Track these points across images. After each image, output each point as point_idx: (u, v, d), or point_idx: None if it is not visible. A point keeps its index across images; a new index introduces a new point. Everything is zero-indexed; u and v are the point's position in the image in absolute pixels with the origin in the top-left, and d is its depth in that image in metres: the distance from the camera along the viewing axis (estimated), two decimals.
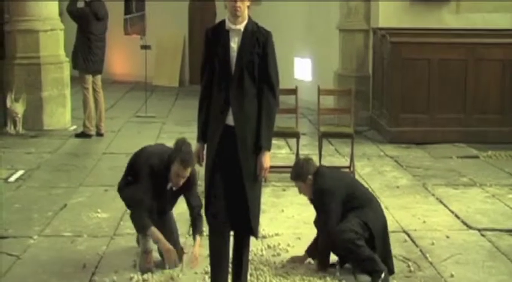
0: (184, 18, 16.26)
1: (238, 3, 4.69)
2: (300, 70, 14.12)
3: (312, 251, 5.64)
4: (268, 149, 4.85)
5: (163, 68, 16.23)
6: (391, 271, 5.38)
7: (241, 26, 4.76)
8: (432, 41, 10.59)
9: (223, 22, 4.83)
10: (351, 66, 11.97)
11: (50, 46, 11.24)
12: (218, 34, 4.81)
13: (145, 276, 5.34)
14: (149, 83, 14.14)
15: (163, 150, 5.56)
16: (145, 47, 12.85)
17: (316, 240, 5.63)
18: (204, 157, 4.91)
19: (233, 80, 4.74)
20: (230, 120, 4.76)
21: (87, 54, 10.43)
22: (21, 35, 11.05)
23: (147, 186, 5.36)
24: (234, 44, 4.75)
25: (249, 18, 4.81)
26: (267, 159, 4.83)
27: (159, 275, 5.38)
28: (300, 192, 5.65)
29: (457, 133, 10.40)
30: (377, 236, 5.35)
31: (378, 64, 11.46)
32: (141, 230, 5.42)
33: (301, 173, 5.51)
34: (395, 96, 10.49)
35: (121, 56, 17.03)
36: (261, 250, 5.98)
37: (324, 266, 5.49)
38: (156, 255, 5.56)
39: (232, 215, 4.79)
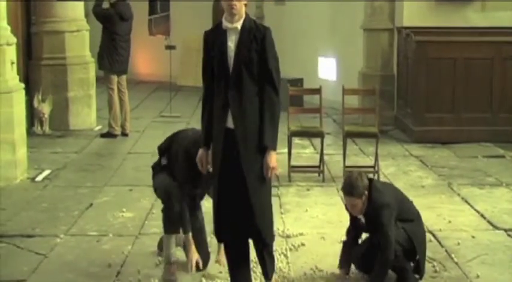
0: (208, 18, 16.29)
1: (234, 1, 4.59)
2: (325, 70, 14.10)
3: (346, 262, 5.44)
4: (274, 149, 4.69)
5: (188, 68, 16.28)
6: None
7: (238, 24, 4.65)
8: (457, 39, 10.51)
9: (221, 22, 4.73)
10: (376, 66, 11.92)
11: (76, 47, 11.34)
12: (216, 35, 4.72)
13: None
14: (174, 83, 14.20)
15: (198, 134, 5.27)
16: (169, 47, 12.90)
17: (345, 251, 5.44)
18: (209, 163, 4.80)
19: (231, 80, 4.63)
20: (230, 122, 4.65)
21: (112, 55, 10.51)
22: (48, 36, 11.15)
23: (184, 174, 5.19)
24: (232, 42, 4.65)
25: (247, 15, 4.71)
26: (273, 159, 4.67)
27: None
28: (352, 209, 5.25)
29: (483, 132, 10.32)
30: (418, 250, 5.25)
31: (402, 63, 11.40)
32: (169, 231, 5.32)
33: (358, 189, 5.11)
34: (421, 96, 10.43)
35: (146, 57, 17.10)
36: (285, 250, 5.98)
37: None
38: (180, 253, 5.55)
39: (243, 222, 4.69)
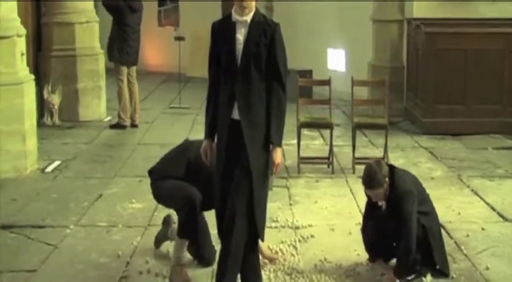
0: (217, 9, 16.26)
1: None
2: (334, 61, 14.08)
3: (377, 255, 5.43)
4: (279, 145, 4.66)
5: (197, 59, 16.27)
6: (445, 274, 5.31)
7: (247, 17, 4.61)
8: (467, 31, 10.46)
9: (230, 14, 4.69)
10: (385, 57, 11.89)
11: (86, 38, 11.35)
12: (224, 26, 4.68)
13: None
14: (183, 74, 14.20)
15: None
16: (179, 39, 12.90)
17: (369, 246, 5.42)
18: (214, 155, 4.75)
19: (239, 73, 4.59)
20: (236, 114, 4.61)
21: (122, 46, 10.52)
22: (58, 27, 11.16)
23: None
24: (241, 35, 4.61)
25: (257, 9, 4.68)
26: (279, 155, 4.65)
27: None
28: (375, 199, 5.21)
29: (493, 124, 10.28)
30: (434, 244, 5.23)
31: (412, 55, 11.37)
32: (189, 235, 5.24)
33: (378, 180, 5.07)
34: (430, 87, 10.41)
35: (155, 48, 17.11)
36: (295, 241, 5.99)
37: (404, 273, 5.14)
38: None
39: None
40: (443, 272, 5.27)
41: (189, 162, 5.26)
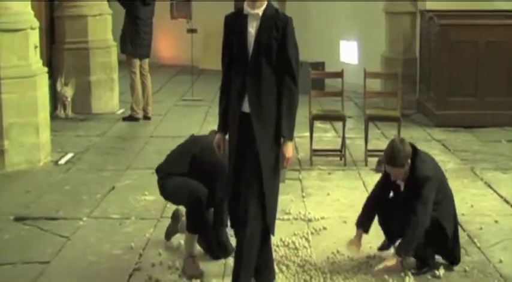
0: (230, 1, 16.26)
1: None
2: (347, 53, 14.04)
3: (362, 223, 5.35)
4: (290, 139, 4.65)
5: (210, 52, 16.26)
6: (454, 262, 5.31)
7: (259, 11, 4.61)
8: (481, 23, 10.41)
9: (242, 8, 4.68)
10: (398, 49, 11.85)
11: (98, 31, 11.37)
12: (236, 19, 4.68)
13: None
14: (196, 67, 14.20)
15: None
16: (191, 31, 12.89)
17: (366, 212, 5.35)
18: (226, 147, 4.76)
19: (250, 66, 4.59)
20: (246, 107, 4.61)
21: (134, 39, 10.54)
22: (70, 20, 11.18)
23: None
24: (252, 28, 4.60)
25: (269, 2, 4.67)
26: (290, 149, 4.64)
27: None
28: (394, 177, 5.15)
29: (506, 116, 10.23)
30: (449, 230, 5.20)
31: (425, 47, 11.32)
32: (198, 230, 5.27)
33: (400, 159, 5.01)
34: (443, 79, 10.37)
35: (168, 40, 17.11)
36: (307, 233, 6.00)
37: (405, 251, 5.09)
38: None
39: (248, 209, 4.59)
40: (455, 259, 5.27)
41: (193, 157, 5.29)
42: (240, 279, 4.56)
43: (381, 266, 5.09)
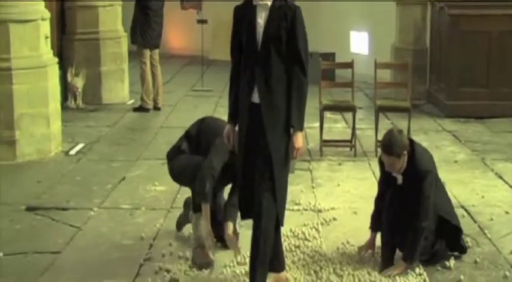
0: None
1: None
2: (357, 44, 14.00)
3: (376, 225, 5.30)
4: (300, 129, 4.63)
5: (220, 42, 16.25)
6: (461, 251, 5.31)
7: (268, 1, 4.58)
8: (492, 13, 10.34)
9: None
10: (408, 40, 11.82)
11: (109, 21, 11.39)
12: (245, 10, 4.66)
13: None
14: (206, 57, 14.20)
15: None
16: (201, 22, 12.90)
17: (376, 215, 5.31)
18: (236, 139, 4.76)
19: (259, 57, 4.57)
20: (256, 98, 4.59)
21: (145, 29, 10.55)
22: (81, 10, 11.21)
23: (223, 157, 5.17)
24: (261, 19, 4.58)
25: None
26: (300, 140, 4.61)
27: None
28: (389, 167, 5.07)
29: None
30: (451, 219, 5.20)
31: (435, 37, 11.28)
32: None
33: (396, 147, 4.93)
34: (454, 70, 10.33)
35: (178, 31, 17.11)
36: (317, 224, 6.00)
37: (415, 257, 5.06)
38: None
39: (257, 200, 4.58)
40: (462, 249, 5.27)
41: (200, 122, 5.49)
42: (257, 271, 4.57)
43: (389, 272, 5.03)
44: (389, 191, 5.20)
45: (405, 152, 4.99)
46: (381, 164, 5.26)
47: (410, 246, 5.04)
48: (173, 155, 5.54)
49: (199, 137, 5.47)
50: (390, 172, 5.14)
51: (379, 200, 5.33)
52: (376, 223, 5.29)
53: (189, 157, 5.39)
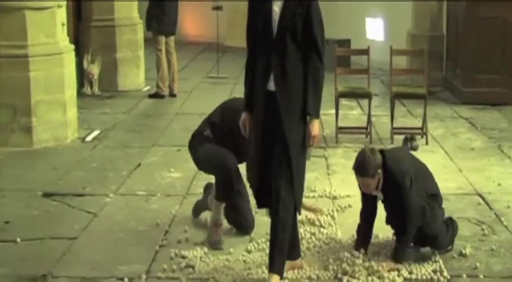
0: None
1: None
2: (372, 30, 13.94)
3: (361, 243, 5.17)
4: (317, 117, 4.60)
5: (235, 29, 16.24)
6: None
7: None
8: None
9: None
10: (424, 26, 11.75)
11: (124, 8, 11.41)
12: None
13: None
14: (221, 44, 14.19)
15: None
16: (217, 8, 12.88)
17: (363, 234, 5.19)
18: (251, 127, 4.73)
19: (275, 44, 4.53)
20: (272, 85, 4.56)
21: (160, 16, 10.55)
22: None
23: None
24: (277, 6, 4.54)
25: None
26: (316, 127, 4.58)
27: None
28: (365, 188, 4.99)
29: None
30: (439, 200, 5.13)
31: (452, 23, 11.21)
32: (225, 196, 5.34)
33: (371, 168, 4.83)
34: (471, 56, 10.26)
35: (193, 18, 17.11)
36: (332, 211, 6.00)
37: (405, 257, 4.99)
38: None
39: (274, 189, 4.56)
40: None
41: (223, 108, 5.46)
42: (275, 260, 4.57)
43: (384, 268, 4.89)
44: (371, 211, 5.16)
45: (379, 171, 4.87)
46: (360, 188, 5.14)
47: (400, 247, 4.95)
48: (197, 140, 5.52)
49: (223, 117, 5.44)
50: (365, 192, 5.05)
51: (363, 213, 5.22)
52: (364, 236, 5.19)
53: (215, 148, 5.35)
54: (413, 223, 4.90)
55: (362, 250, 5.10)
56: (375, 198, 5.11)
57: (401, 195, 4.88)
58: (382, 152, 5.00)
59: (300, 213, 4.82)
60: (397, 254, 4.98)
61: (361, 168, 4.88)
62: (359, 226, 5.23)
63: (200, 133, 5.52)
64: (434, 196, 5.11)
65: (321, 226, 5.68)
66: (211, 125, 5.48)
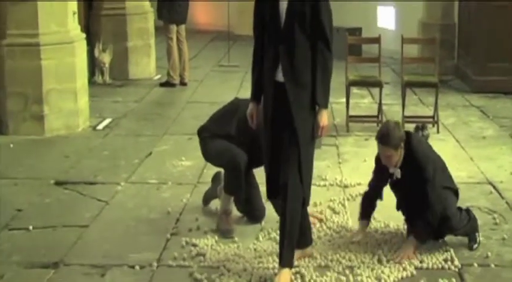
0: None
1: None
2: (384, 18, 13.89)
3: (366, 214, 5.25)
4: (325, 107, 4.56)
5: (246, 18, 16.20)
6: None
7: None
8: None
9: None
10: (436, 14, 11.69)
11: None
12: None
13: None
14: (232, 33, 14.18)
15: None
16: None
17: (366, 207, 5.24)
18: (260, 117, 4.71)
19: (283, 34, 4.50)
20: (280, 76, 4.53)
21: (171, 5, 10.55)
22: None
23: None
24: None
25: None
26: (324, 118, 4.54)
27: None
28: (386, 160, 4.92)
29: None
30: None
31: (464, 11, 11.15)
32: (234, 192, 5.37)
33: (394, 139, 4.79)
34: (483, 45, 10.21)
35: (204, 6, 17.09)
36: (343, 199, 6.01)
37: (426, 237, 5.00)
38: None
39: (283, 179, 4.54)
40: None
41: (238, 120, 5.30)
42: (285, 249, 4.57)
43: (399, 257, 4.88)
44: (380, 185, 5.16)
45: (402, 145, 4.85)
46: (377, 162, 5.13)
47: (422, 226, 4.91)
48: (205, 135, 5.53)
49: (239, 132, 5.34)
50: (386, 169, 5.02)
51: (371, 193, 5.23)
52: (365, 215, 5.23)
53: (226, 144, 5.35)
54: (434, 214, 4.85)
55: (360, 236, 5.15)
56: (387, 179, 5.07)
57: (423, 183, 4.85)
58: (407, 132, 4.99)
59: (308, 205, 4.80)
60: (418, 233, 4.93)
61: (385, 136, 4.86)
62: (365, 196, 5.26)
63: (211, 131, 5.50)
64: (450, 189, 5.08)
65: (333, 214, 5.68)
66: (228, 138, 5.36)
